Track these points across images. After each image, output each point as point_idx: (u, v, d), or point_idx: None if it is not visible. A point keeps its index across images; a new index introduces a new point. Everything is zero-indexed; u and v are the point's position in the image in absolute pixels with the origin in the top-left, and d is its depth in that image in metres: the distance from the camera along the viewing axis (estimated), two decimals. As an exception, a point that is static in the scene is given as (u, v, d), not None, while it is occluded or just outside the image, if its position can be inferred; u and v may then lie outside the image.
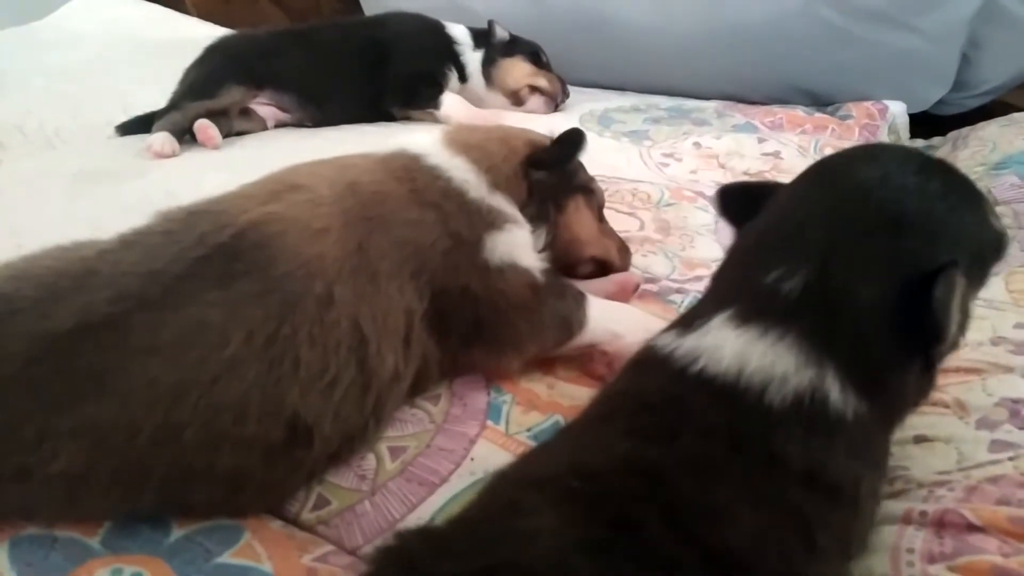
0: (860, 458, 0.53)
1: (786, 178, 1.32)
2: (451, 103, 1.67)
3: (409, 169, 0.82)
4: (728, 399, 0.52)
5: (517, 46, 1.79)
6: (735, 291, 0.59)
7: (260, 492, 0.68)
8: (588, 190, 0.97)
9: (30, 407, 0.59)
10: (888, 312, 0.52)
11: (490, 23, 1.79)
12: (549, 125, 1.65)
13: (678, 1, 1.84)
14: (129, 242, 0.70)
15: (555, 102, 1.77)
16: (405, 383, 0.77)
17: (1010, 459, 0.64)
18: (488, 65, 1.79)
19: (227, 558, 0.63)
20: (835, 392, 0.52)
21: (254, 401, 0.64)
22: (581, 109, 1.77)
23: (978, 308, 0.72)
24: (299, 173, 0.80)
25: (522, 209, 0.89)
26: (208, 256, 0.67)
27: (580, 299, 0.85)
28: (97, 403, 0.60)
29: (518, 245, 0.83)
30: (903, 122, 1.78)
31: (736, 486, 0.49)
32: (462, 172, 0.85)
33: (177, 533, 0.65)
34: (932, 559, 0.54)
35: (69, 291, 0.63)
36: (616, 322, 0.83)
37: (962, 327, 0.56)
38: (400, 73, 1.69)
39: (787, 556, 0.48)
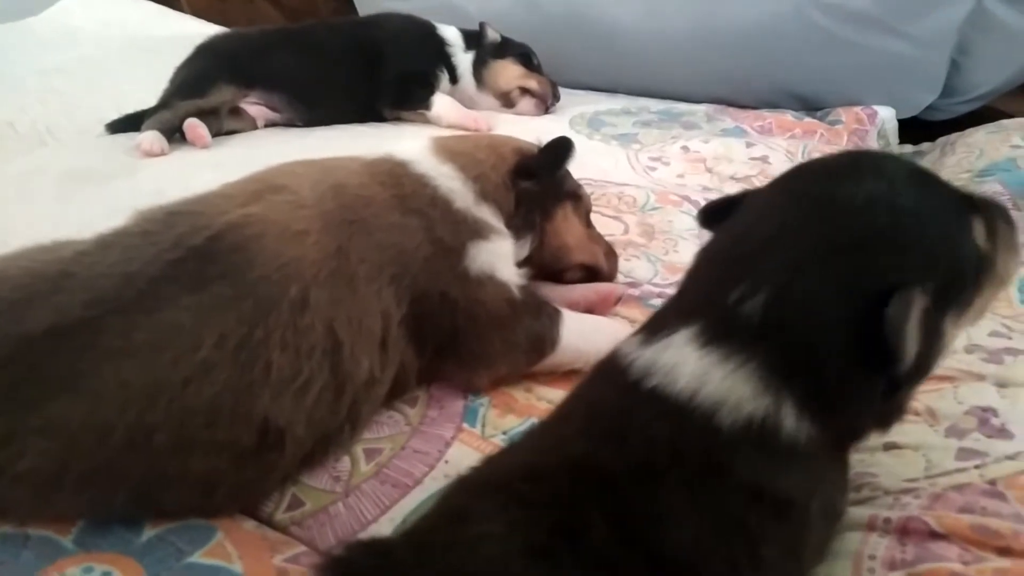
0: (813, 477, 0.53)
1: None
2: (442, 104, 1.68)
3: (395, 175, 0.83)
4: (679, 417, 0.52)
5: (508, 48, 1.80)
6: (700, 306, 0.57)
7: (232, 494, 0.68)
8: (576, 196, 0.98)
9: (8, 406, 0.60)
10: (849, 335, 0.51)
11: (481, 25, 1.79)
12: (539, 128, 1.67)
13: (670, 4, 1.84)
14: (106, 243, 0.70)
15: (546, 104, 1.77)
16: (382, 387, 0.77)
17: (976, 467, 0.64)
18: (479, 66, 1.79)
19: (198, 558, 0.64)
20: (790, 420, 0.51)
21: (225, 405, 0.65)
22: (572, 112, 1.78)
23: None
24: (282, 173, 0.80)
25: (509, 218, 0.89)
26: (183, 259, 0.68)
27: (555, 317, 0.85)
28: (69, 403, 0.61)
29: (500, 256, 0.84)
30: (892, 127, 1.78)
31: (681, 496, 0.49)
32: (449, 180, 0.85)
33: (149, 532, 0.66)
34: (893, 566, 0.55)
35: (44, 293, 0.64)
36: (588, 342, 0.83)
37: (933, 351, 0.54)
38: (391, 74, 1.70)
39: (730, 567, 0.48)
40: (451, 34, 1.81)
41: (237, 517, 0.70)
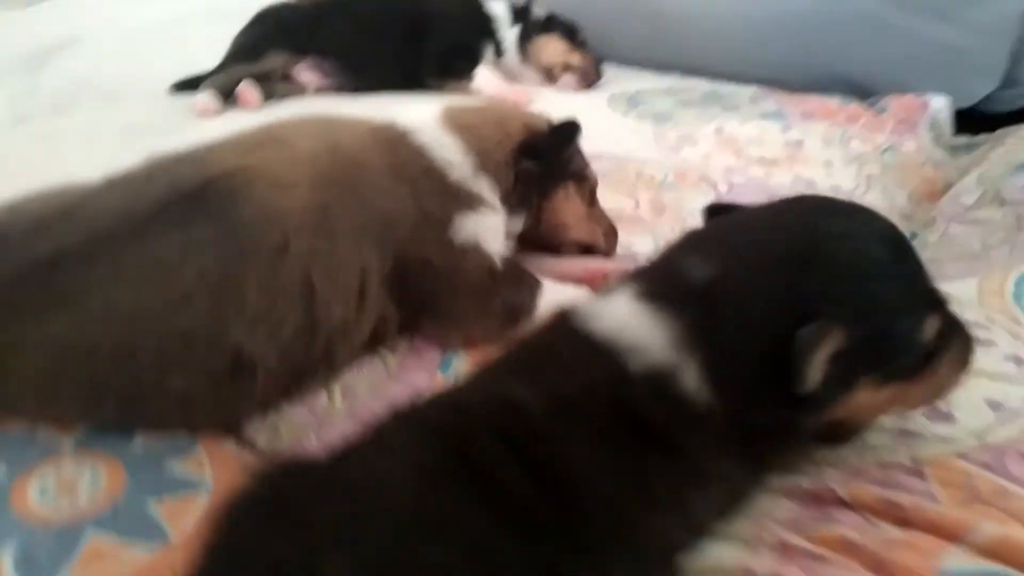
0: (710, 446, 0.56)
1: (803, 168, 1.33)
2: (484, 77, 1.72)
3: (394, 142, 0.87)
4: (598, 357, 0.56)
5: (554, 24, 1.82)
6: (655, 269, 0.64)
7: (210, 413, 0.75)
8: (581, 176, 1.00)
9: (9, 320, 0.68)
10: (765, 334, 0.55)
11: (528, 0, 1.82)
12: (578, 103, 1.70)
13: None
14: (113, 184, 0.78)
15: (588, 81, 1.79)
16: (358, 334, 0.83)
17: (908, 448, 0.65)
18: (524, 41, 1.82)
19: (174, 465, 0.71)
20: (691, 380, 0.55)
21: (200, 332, 0.71)
22: (614, 89, 1.79)
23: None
24: (287, 127, 0.86)
25: (506, 194, 0.92)
26: (176, 201, 0.74)
27: (535, 289, 0.89)
28: (65, 320, 0.69)
29: (487, 229, 0.88)
30: (945, 117, 1.73)
31: (585, 428, 0.53)
32: (448, 152, 0.89)
33: (140, 441, 0.74)
34: (791, 527, 0.57)
35: (52, 225, 0.72)
36: None
37: (836, 393, 0.57)
38: (437, 46, 1.75)
39: (622, 498, 0.52)
40: (498, 9, 1.84)
41: (221, 438, 0.77)
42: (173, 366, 0.71)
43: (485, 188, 0.89)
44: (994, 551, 0.54)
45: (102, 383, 0.70)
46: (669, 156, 1.43)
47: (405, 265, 0.82)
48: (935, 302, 0.62)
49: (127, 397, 0.71)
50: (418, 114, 0.91)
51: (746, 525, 0.58)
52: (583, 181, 1.00)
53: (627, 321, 0.58)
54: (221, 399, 0.74)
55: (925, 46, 1.69)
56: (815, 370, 0.54)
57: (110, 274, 0.70)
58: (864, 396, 0.59)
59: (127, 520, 0.64)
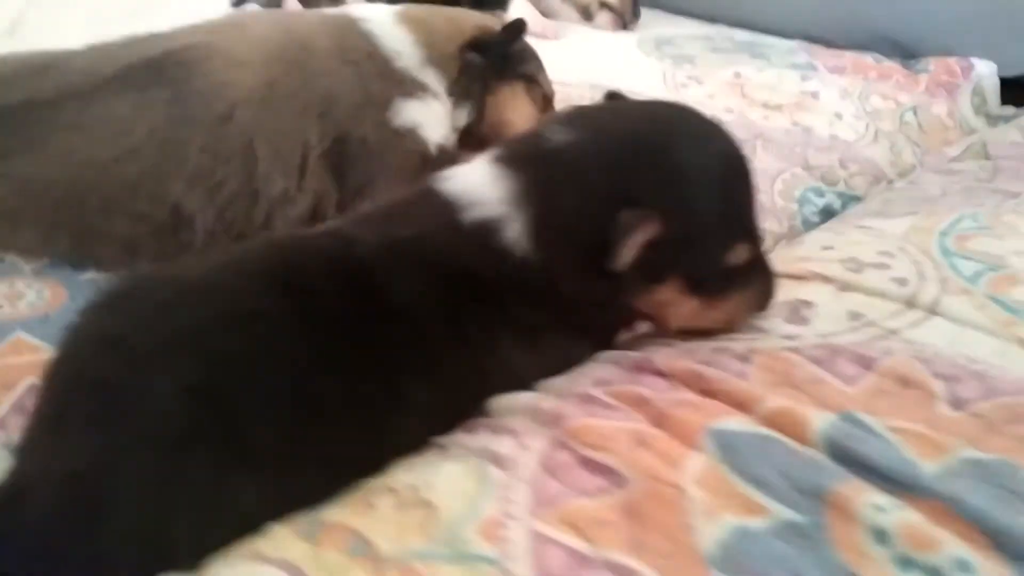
0: (534, 304, 0.62)
1: (805, 115, 1.32)
2: (518, 7, 1.76)
3: (343, 29, 0.95)
4: (442, 207, 0.63)
5: (596, -38, 1.83)
6: (520, 137, 0.70)
7: (153, 260, 0.85)
8: (531, 79, 1.05)
9: None
10: (590, 213, 0.60)
11: (574, -62, 1.84)
12: (606, 44, 1.72)
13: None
14: (93, 49, 0.88)
15: (622, 21, 1.80)
16: (297, 207, 0.91)
17: (749, 340, 0.69)
18: (564, -23, 1.84)
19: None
20: (515, 231, 0.61)
21: (144, 184, 0.81)
22: (648, 32, 1.80)
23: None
24: (249, 16, 0.95)
25: (452, 86, 0.98)
26: (139, 65, 0.84)
27: None
28: (27, 160, 0.80)
29: (427, 117, 0.95)
30: (991, 84, 1.66)
31: (414, 273, 0.60)
32: (395, 42, 0.96)
33: (88, 275, 0.84)
34: (600, 384, 0.62)
35: (27, 77, 0.83)
36: None
37: (640, 279, 0.63)
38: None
39: (447, 323, 0.59)
40: (543, -56, 1.87)
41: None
42: (117, 211, 0.81)
43: (431, 78, 0.95)
44: (772, 420, 0.57)
45: (56, 220, 0.81)
46: (670, 94, 1.45)
47: (344, 142, 0.90)
48: (752, 237, 0.67)
49: (77, 234, 0.81)
50: (374, 7, 0.98)
51: (563, 381, 0.63)
52: (534, 85, 1.05)
53: (473, 179, 0.64)
54: (163, 249, 0.84)
55: (973, 6, 1.62)
56: (629, 251, 0.59)
57: (71, 123, 0.80)
58: (669, 295, 0.65)
59: (53, 330, 0.74)
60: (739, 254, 0.65)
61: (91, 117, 0.81)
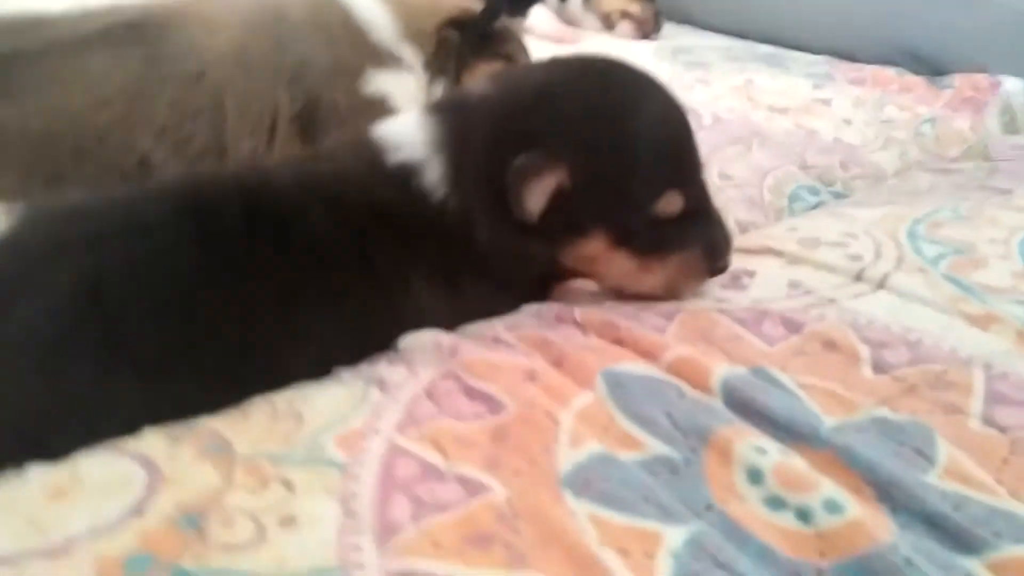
0: (449, 248, 0.62)
1: (810, 118, 1.30)
2: (539, 15, 1.78)
3: (320, 1, 0.97)
4: (367, 151, 0.63)
5: (622, -27, 1.85)
6: (451, 93, 0.71)
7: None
8: (511, 60, 1.06)
9: None
10: (495, 159, 0.60)
11: (600, -52, 1.86)
12: (623, 52, 1.72)
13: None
14: (80, 11, 0.92)
15: (644, 30, 1.81)
16: (267, 167, 0.93)
17: (679, 303, 0.67)
18: (588, -13, 1.86)
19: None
20: (433, 175, 0.61)
21: (114, 134, 0.84)
22: (668, 42, 1.80)
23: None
24: None
25: (429, 62, 1.00)
26: (118, 24, 0.88)
27: None
28: (6, 107, 0.83)
29: (399, 88, 0.96)
30: (1020, 102, 1.61)
31: (332, 210, 0.60)
32: (372, 15, 0.98)
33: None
34: (509, 327, 0.61)
35: (19, 31, 0.87)
36: None
37: (560, 229, 0.61)
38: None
39: (350, 273, 0.59)
40: (569, -45, 1.89)
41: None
42: (88, 158, 0.84)
43: (407, 52, 0.97)
44: (674, 367, 0.56)
45: (31, 165, 0.84)
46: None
47: (315, 107, 0.91)
48: (690, 188, 0.64)
49: (50, 180, 0.84)
50: None
51: (477, 325, 0.62)
52: (512, 64, 1.05)
53: (401, 125, 0.65)
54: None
55: (1005, 21, 1.58)
56: (533, 198, 0.59)
57: (51, 76, 0.84)
58: (595, 249, 0.63)
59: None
60: (670, 203, 0.62)
61: (69, 70, 0.85)
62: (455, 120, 0.63)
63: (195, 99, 0.87)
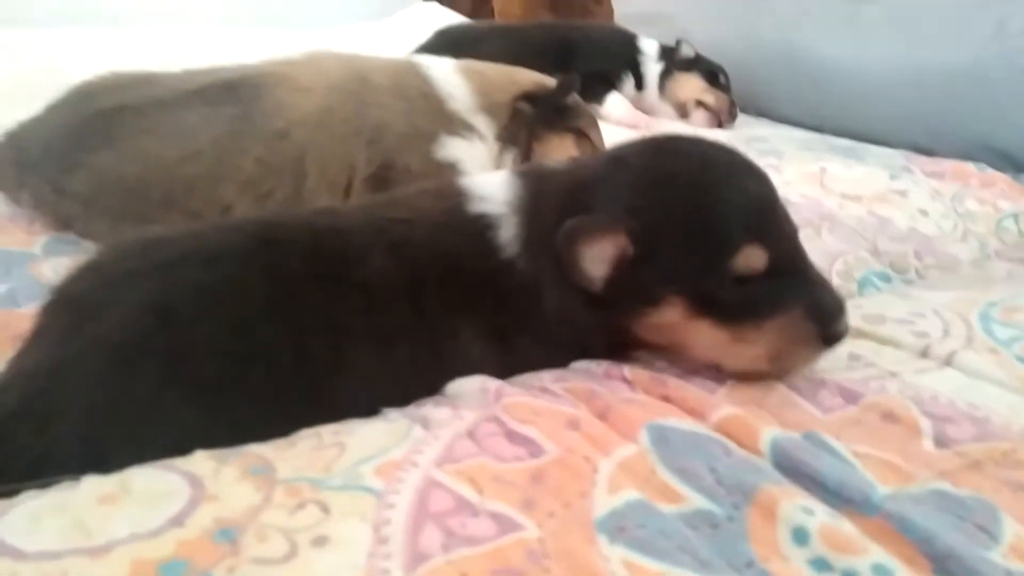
0: (509, 309, 0.62)
1: (885, 207, 1.29)
2: (613, 102, 1.83)
3: (404, 70, 1.03)
4: (453, 199, 0.66)
5: (698, 64, 1.89)
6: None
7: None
8: (581, 133, 1.09)
9: (75, 146, 0.91)
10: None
11: (678, 41, 1.91)
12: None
13: (877, 39, 1.81)
14: (189, 71, 1.00)
15: (718, 119, 1.83)
16: (340, 225, 0.97)
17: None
18: (665, 77, 1.91)
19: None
20: (508, 234, 0.63)
21: (201, 185, 0.90)
22: (743, 131, 1.82)
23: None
24: (328, 53, 1.05)
25: (502, 131, 1.04)
26: (217, 85, 0.95)
27: None
28: (107, 155, 0.90)
29: (470, 155, 1.00)
30: (1109, 202, 1.55)
31: (392, 253, 0.62)
32: (451, 87, 1.04)
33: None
34: (556, 379, 0.61)
35: (126, 88, 0.95)
36: None
37: (629, 297, 0.60)
38: (579, 70, 1.88)
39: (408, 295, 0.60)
40: (648, 46, 1.95)
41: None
42: (176, 207, 0.90)
43: (481, 123, 1.01)
44: (722, 425, 0.55)
45: (124, 210, 0.90)
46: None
47: (390, 169, 0.96)
48: (774, 244, 0.58)
49: (139, 225, 0.90)
50: (439, 58, 1.06)
51: (526, 376, 0.62)
52: (583, 139, 1.08)
53: (489, 180, 0.68)
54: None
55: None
56: (590, 264, 0.58)
57: (149, 128, 0.91)
58: (672, 317, 0.60)
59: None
60: (750, 258, 0.57)
61: (166, 123, 0.91)
62: (537, 185, 0.65)
63: (279, 156, 0.92)
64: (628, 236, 0.58)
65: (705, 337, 0.60)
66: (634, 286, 0.60)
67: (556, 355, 0.64)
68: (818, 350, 0.60)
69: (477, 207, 0.64)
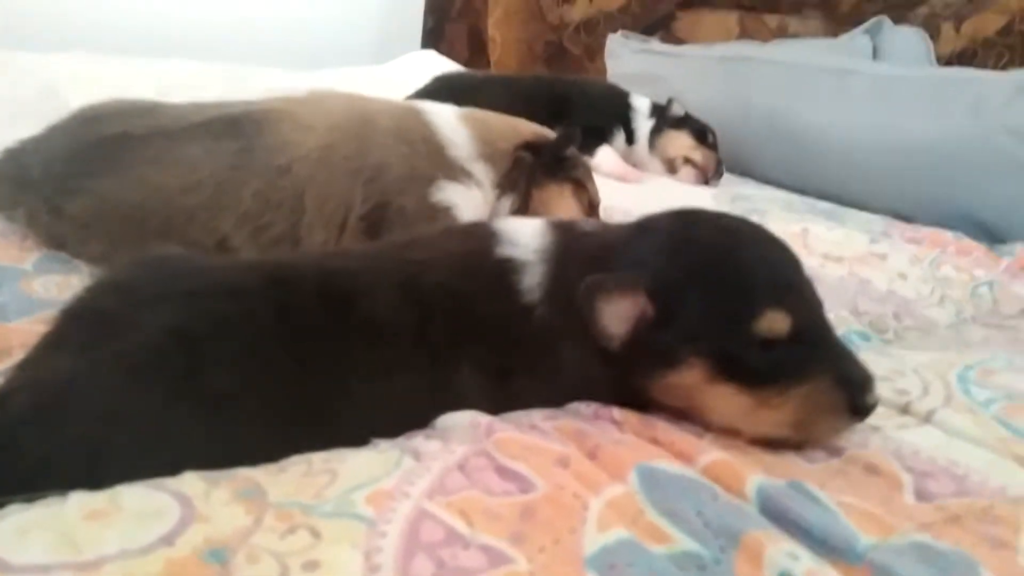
0: (529, 348, 0.63)
1: (864, 268, 1.32)
2: (604, 155, 1.87)
3: (407, 114, 1.06)
4: (476, 237, 0.68)
5: (687, 122, 1.94)
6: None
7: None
8: (580, 184, 1.12)
9: (77, 170, 0.91)
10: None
11: (669, 100, 1.97)
12: (684, 194, 1.79)
13: (862, 111, 1.86)
14: (195, 104, 1.01)
15: (705, 177, 1.88)
16: (335, 259, 0.98)
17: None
18: (655, 133, 1.95)
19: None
20: (532, 281, 0.64)
21: (200, 216, 0.91)
22: (729, 189, 1.86)
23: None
24: (333, 93, 1.07)
25: (501, 179, 1.06)
26: (220, 119, 0.96)
27: None
28: (109, 182, 0.91)
29: (466, 201, 1.02)
30: (1084, 274, 1.60)
31: (397, 292, 0.63)
32: (453, 133, 1.06)
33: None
34: (546, 418, 0.62)
35: (131, 116, 0.96)
36: None
37: (647, 355, 0.60)
38: (572, 122, 1.92)
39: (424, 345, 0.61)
40: (640, 103, 2.01)
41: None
42: (173, 235, 0.90)
43: (479, 170, 1.03)
44: (709, 469, 0.56)
45: (121, 236, 0.91)
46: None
47: (385, 208, 0.97)
48: (799, 311, 0.59)
49: (136, 250, 0.90)
50: (442, 105, 1.08)
51: (517, 413, 0.63)
52: (581, 189, 1.10)
53: (522, 225, 0.69)
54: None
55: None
56: (610, 322, 0.59)
57: (152, 157, 0.92)
58: (693, 379, 0.59)
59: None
60: (774, 322, 0.57)
61: (169, 154, 0.93)
62: (568, 238, 0.67)
63: (278, 191, 0.93)
64: (648, 296, 0.59)
65: (726, 401, 0.59)
66: (654, 347, 0.60)
67: (560, 404, 0.64)
68: (847, 420, 0.60)
69: (508, 249, 0.65)
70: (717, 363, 0.59)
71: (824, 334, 0.60)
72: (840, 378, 0.58)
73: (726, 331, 0.58)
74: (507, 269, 0.64)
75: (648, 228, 0.66)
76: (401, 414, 0.60)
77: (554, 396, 0.64)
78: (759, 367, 0.58)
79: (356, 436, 0.57)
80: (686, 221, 0.66)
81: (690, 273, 0.60)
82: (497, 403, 0.62)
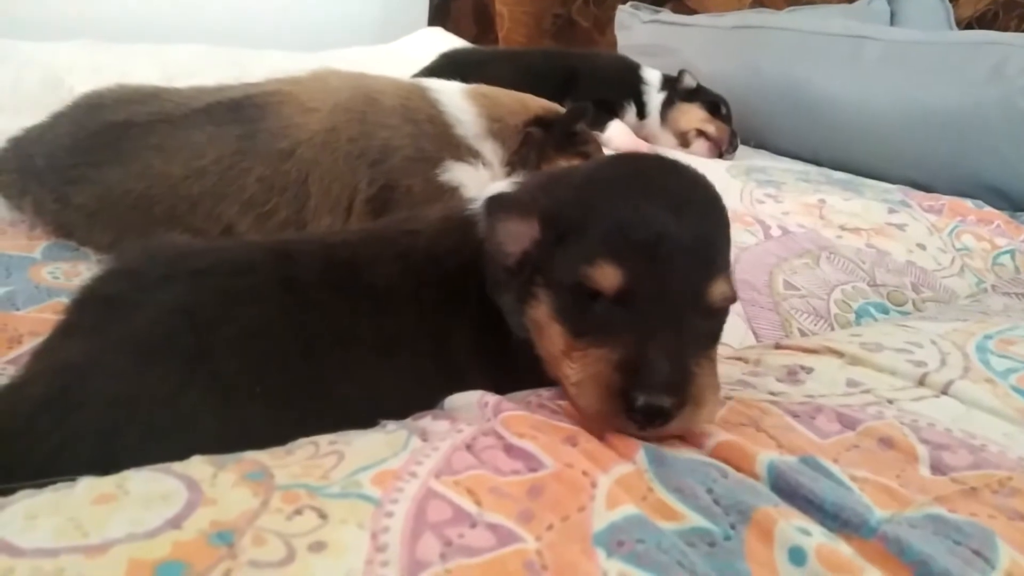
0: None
1: (882, 239, 1.30)
2: (615, 129, 1.85)
3: (412, 92, 1.04)
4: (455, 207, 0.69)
5: (700, 94, 1.92)
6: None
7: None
8: (589, 157, 1.10)
9: (81, 159, 0.91)
10: None
11: (681, 71, 1.94)
12: (697, 166, 1.76)
13: (877, 79, 1.83)
14: (195, 87, 1.01)
15: (719, 149, 1.85)
16: (343, 241, 0.97)
17: (732, 390, 0.67)
18: (667, 106, 1.93)
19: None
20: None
21: (204, 202, 0.90)
22: (743, 162, 1.83)
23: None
24: (334, 71, 1.06)
25: (510, 156, 1.05)
26: (222, 104, 0.96)
27: None
28: (113, 169, 0.91)
29: (473, 180, 1.01)
30: (1106, 240, 1.57)
31: (396, 266, 0.64)
32: (459, 112, 1.04)
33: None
34: (553, 397, 0.61)
35: (133, 102, 0.96)
36: None
37: (515, 288, 0.60)
38: (582, 96, 1.90)
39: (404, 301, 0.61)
40: (652, 75, 1.98)
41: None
42: (178, 223, 0.90)
43: (487, 149, 1.02)
44: (717, 451, 0.55)
45: (127, 224, 0.91)
46: (743, 207, 1.45)
47: (391, 191, 0.96)
48: (646, 285, 0.53)
49: (140, 237, 0.90)
50: (448, 82, 1.07)
51: (525, 392, 0.62)
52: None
53: (500, 185, 0.71)
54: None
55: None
56: (503, 236, 0.59)
57: (156, 144, 0.92)
58: (540, 315, 0.59)
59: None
60: (602, 275, 0.53)
61: (172, 140, 0.92)
62: (541, 181, 0.68)
63: (283, 176, 0.93)
64: (539, 221, 0.59)
65: (551, 342, 0.58)
66: (517, 273, 0.60)
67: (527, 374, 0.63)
68: (616, 407, 0.52)
69: (471, 207, 0.66)
70: (554, 301, 0.58)
71: (661, 318, 0.53)
72: (626, 363, 0.52)
73: (565, 270, 0.56)
74: (472, 224, 0.65)
75: (591, 165, 0.66)
76: (402, 388, 0.61)
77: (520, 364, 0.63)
78: (576, 315, 0.56)
79: (360, 414, 0.56)
80: (616, 162, 0.67)
81: (572, 207, 0.59)
82: (495, 378, 0.62)
